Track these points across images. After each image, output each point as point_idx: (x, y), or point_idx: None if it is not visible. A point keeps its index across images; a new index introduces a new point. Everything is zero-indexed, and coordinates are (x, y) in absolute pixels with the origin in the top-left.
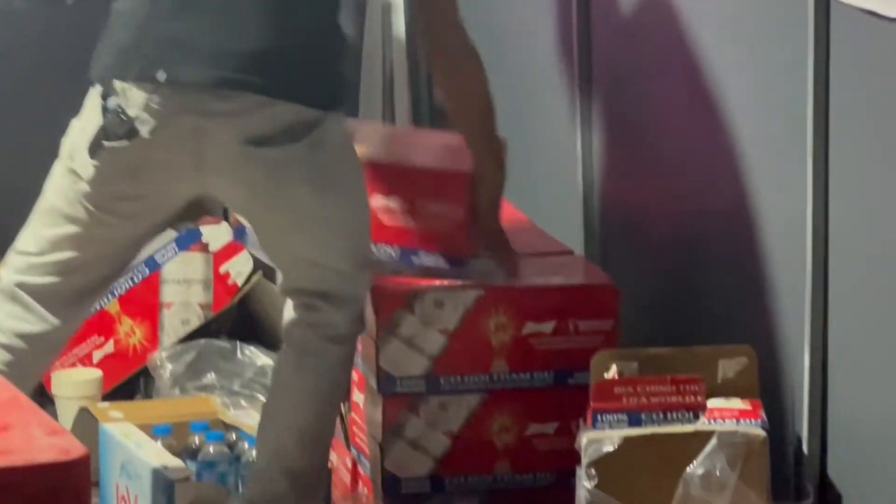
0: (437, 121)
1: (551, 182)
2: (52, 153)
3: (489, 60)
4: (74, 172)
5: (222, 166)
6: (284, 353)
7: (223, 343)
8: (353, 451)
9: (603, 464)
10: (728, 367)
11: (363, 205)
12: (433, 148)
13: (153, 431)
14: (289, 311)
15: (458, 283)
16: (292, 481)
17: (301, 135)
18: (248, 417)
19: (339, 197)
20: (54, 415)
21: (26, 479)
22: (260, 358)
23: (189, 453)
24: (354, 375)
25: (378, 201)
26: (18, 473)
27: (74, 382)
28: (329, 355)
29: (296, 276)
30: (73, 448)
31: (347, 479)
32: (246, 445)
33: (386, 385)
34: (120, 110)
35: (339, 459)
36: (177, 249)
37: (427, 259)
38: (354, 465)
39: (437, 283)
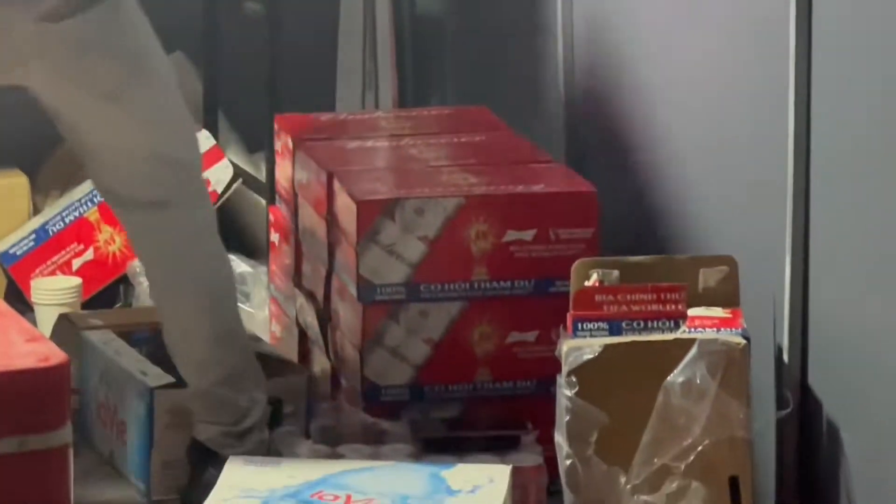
0: (423, 93)
1: (533, 90)
2: None
3: None
4: None
5: (23, 52)
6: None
7: None
8: (333, 359)
9: (583, 371)
10: (709, 276)
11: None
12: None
13: (133, 339)
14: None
15: (439, 190)
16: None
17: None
18: None
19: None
20: (33, 322)
21: (5, 385)
22: (240, 265)
23: (168, 360)
24: (335, 283)
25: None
26: None
27: (54, 290)
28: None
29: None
30: (53, 354)
31: (327, 387)
32: None
33: (366, 293)
34: None
35: (318, 367)
36: None
37: None
38: (335, 372)
39: (418, 190)
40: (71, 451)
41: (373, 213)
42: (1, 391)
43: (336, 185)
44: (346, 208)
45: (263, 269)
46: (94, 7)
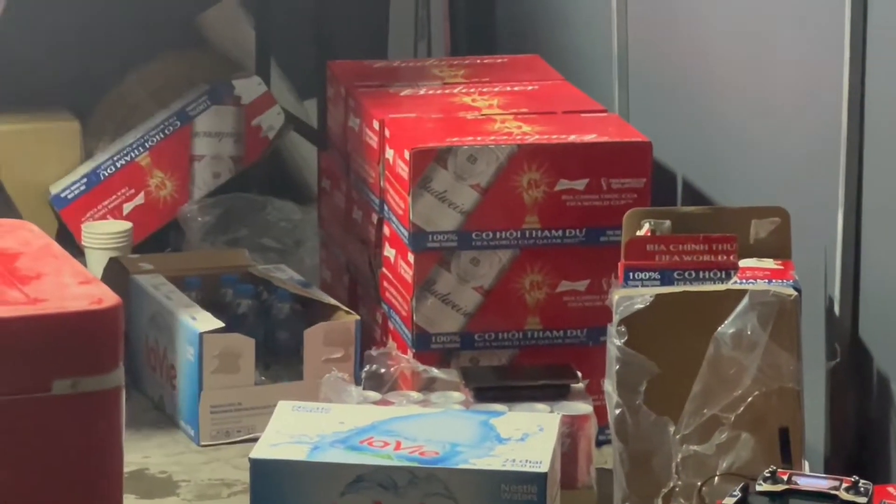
0: (475, 42)
1: (586, 40)
2: None
3: None
4: None
5: None
6: None
7: (254, 196)
8: (384, 305)
9: (634, 321)
10: (761, 227)
11: None
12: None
13: (183, 283)
14: None
15: (492, 138)
16: None
17: None
18: (277, 271)
19: None
20: (84, 266)
21: (58, 327)
22: (291, 212)
23: (218, 306)
24: (386, 230)
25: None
26: (51, 320)
27: (104, 234)
28: None
29: None
30: (106, 296)
31: (377, 334)
32: (275, 299)
33: (417, 240)
34: None
35: (369, 314)
36: (208, 102)
37: None
38: (385, 319)
39: (470, 138)
40: (123, 394)
41: (425, 161)
42: (54, 333)
43: (388, 132)
44: (398, 155)
45: (314, 215)
46: None
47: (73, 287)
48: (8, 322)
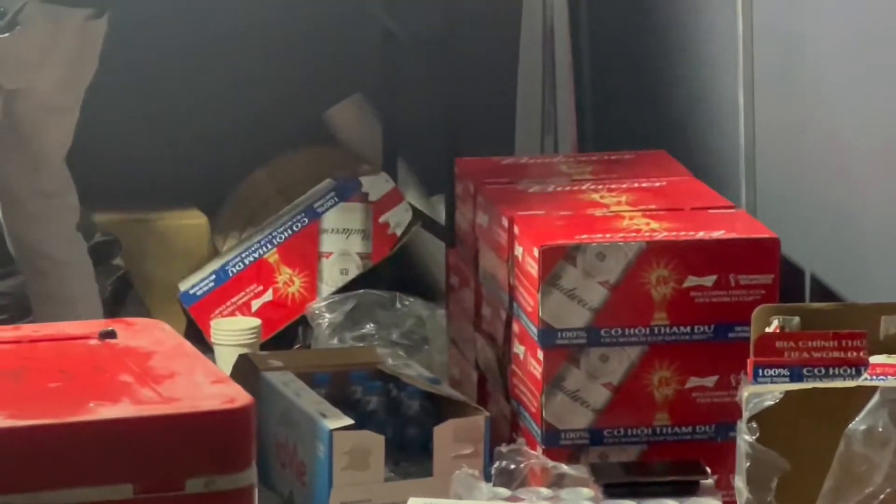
0: (602, 137)
1: (713, 136)
2: None
3: (654, 13)
4: None
5: None
6: None
7: (382, 293)
8: (513, 402)
9: (764, 417)
10: (891, 323)
11: None
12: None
13: (312, 380)
14: None
15: (620, 236)
16: None
17: None
18: (406, 368)
19: None
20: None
21: (192, 426)
22: (419, 308)
23: (348, 402)
24: (515, 327)
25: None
26: (185, 420)
27: (234, 330)
28: None
29: None
30: (239, 396)
31: (507, 430)
32: (405, 395)
33: (547, 337)
34: None
35: (498, 411)
36: (336, 199)
37: None
38: (514, 415)
39: (599, 235)
40: (255, 493)
41: (554, 258)
42: (188, 432)
43: (517, 229)
44: (527, 253)
45: (442, 312)
46: None
47: (205, 386)
48: (142, 421)
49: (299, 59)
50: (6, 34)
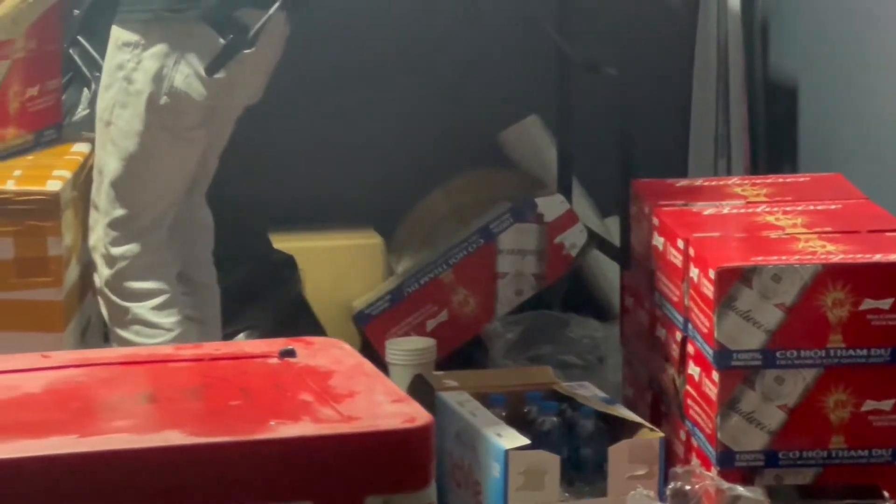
0: (775, 159)
1: (889, 158)
2: None
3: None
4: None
5: None
6: None
7: (556, 314)
8: (688, 423)
9: None
10: None
11: None
12: None
13: (487, 400)
14: None
15: (796, 258)
16: None
17: None
18: (581, 388)
19: None
20: None
21: (373, 445)
22: (593, 329)
23: (523, 422)
24: (690, 348)
25: None
26: (365, 438)
27: (409, 350)
28: None
29: None
30: (418, 415)
31: (681, 450)
32: (579, 416)
33: (722, 358)
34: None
35: (672, 431)
36: (512, 220)
37: None
38: (688, 437)
39: (775, 257)
40: None
41: (730, 280)
42: (368, 451)
43: (693, 251)
44: (703, 274)
45: (616, 331)
46: None
47: (385, 405)
48: (322, 440)
49: (475, 82)
50: (252, 49)
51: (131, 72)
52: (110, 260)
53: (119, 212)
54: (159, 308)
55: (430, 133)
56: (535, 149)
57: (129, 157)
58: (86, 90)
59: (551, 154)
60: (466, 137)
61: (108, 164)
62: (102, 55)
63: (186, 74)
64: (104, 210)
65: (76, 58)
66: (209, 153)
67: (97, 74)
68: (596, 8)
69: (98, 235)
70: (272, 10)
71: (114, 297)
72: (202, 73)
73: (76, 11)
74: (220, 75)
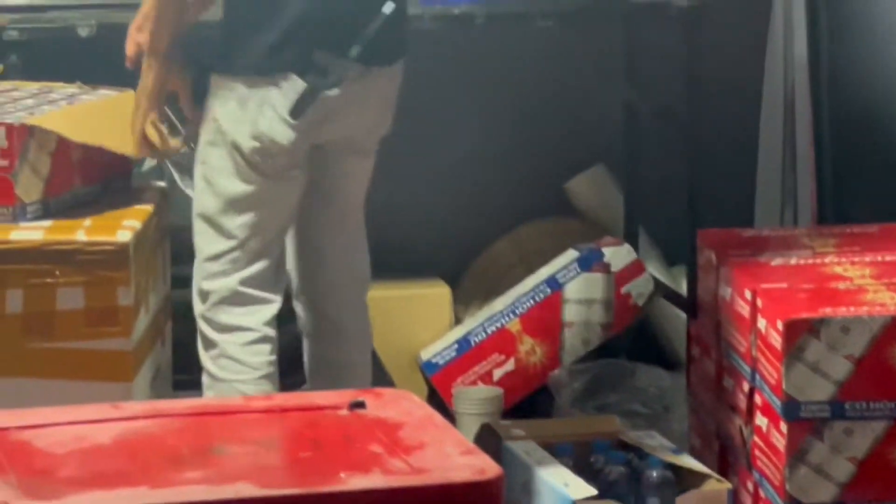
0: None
1: None
2: None
3: None
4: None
5: None
6: None
7: (623, 363)
8: (755, 474)
9: None
10: None
11: None
12: None
13: (555, 449)
14: None
15: (865, 309)
16: None
17: None
18: (648, 438)
19: None
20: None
21: (443, 497)
22: (660, 378)
23: (590, 472)
24: (758, 399)
25: None
26: (435, 491)
27: (476, 399)
28: None
29: None
30: (489, 467)
31: (749, 502)
32: (646, 465)
33: (790, 410)
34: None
35: (739, 482)
36: (578, 269)
37: None
38: (756, 488)
39: (843, 308)
40: None
41: (798, 331)
42: (438, 503)
43: (760, 302)
44: (771, 325)
45: (682, 381)
46: None
47: (455, 457)
48: (393, 492)
49: (542, 130)
50: (334, 91)
51: (221, 115)
52: (203, 295)
53: (213, 248)
54: (249, 345)
55: (497, 182)
56: (601, 198)
57: (221, 195)
58: None
59: (618, 203)
60: (533, 186)
61: (203, 201)
62: (171, 107)
63: (271, 118)
64: (199, 246)
65: None
66: (322, 190)
67: (165, 125)
68: (663, 56)
69: (195, 269)
70: (352, 55)
71: (206, 329)
72: (286, 116)
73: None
74: (303, 118)
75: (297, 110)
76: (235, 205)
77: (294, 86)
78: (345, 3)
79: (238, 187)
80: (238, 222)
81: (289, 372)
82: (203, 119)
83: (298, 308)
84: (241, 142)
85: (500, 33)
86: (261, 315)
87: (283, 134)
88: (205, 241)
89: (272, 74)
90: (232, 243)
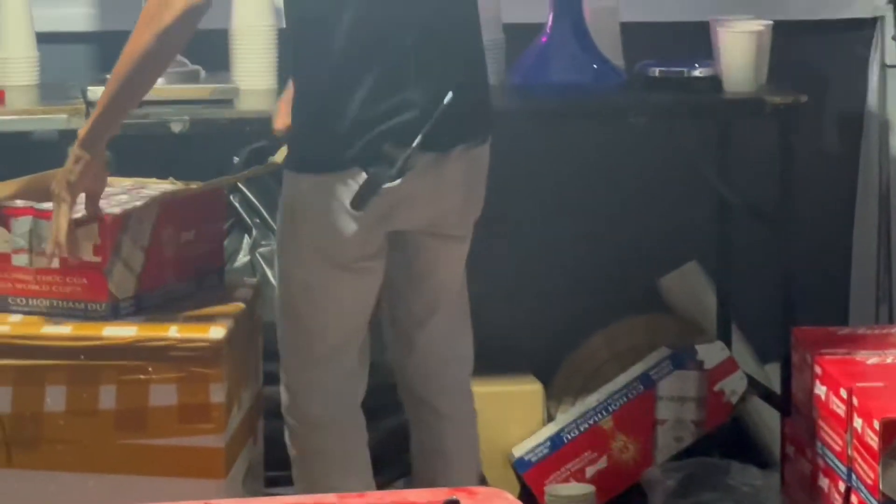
0: None
1: None
2: None
3: None
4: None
5: None
6: None
7: (716, 461)
8: None
9: None
10: None
11: None
12: None
13: None
14: None
15: None
16: None
17: None
18: None
19: None
20: None
21: None
22: (753, 477)
23: None
24: (854, 499)
25: None
26: None
27: (568, 497)
28: None
29: None
30: None
31: None
32: None
33: None
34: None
35: None
36: (671, 366)
37: None
38: None
39: None
40: None
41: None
42: None
43: (856, 400)
44: (867, 425)
45: (776, 480)
46: None
47: None
48: None
49: (635, 226)
50: (397, 181)
51: (293, 207)
52: (287, 388)
53: (292, 341)
54: (336, 438)
55: (589, 278)
56: (694, 295)
57: (297, 287)
58: (246, 237)
59: (711, 300)
60: (626, 283)
61: (282, 295)
62: (262, 202)
63: (336, 211)
64: (280, 339)
65: (237, 204)
66: (411, 275)
67: (257, 221)
68: (756, 152)
69: (281, 363)
70: (413, 146)
71: (291, 422)
72: (349, 208)
73: (236, 159)
74: (367, 210)
75: (358, 202)
76: (311, 297)
77: (357, 178)
78: (406, 94)
79: (312, 279)
80: (315, 314)
81: (383, 467)
82: (279, 214)
83: (400, 393)
84: (311, 235)
85: (593, 129)
86: (346, 407)
87: (348, 226)
88: (285, 334)
89: (338, 169)
90: (310, 336)
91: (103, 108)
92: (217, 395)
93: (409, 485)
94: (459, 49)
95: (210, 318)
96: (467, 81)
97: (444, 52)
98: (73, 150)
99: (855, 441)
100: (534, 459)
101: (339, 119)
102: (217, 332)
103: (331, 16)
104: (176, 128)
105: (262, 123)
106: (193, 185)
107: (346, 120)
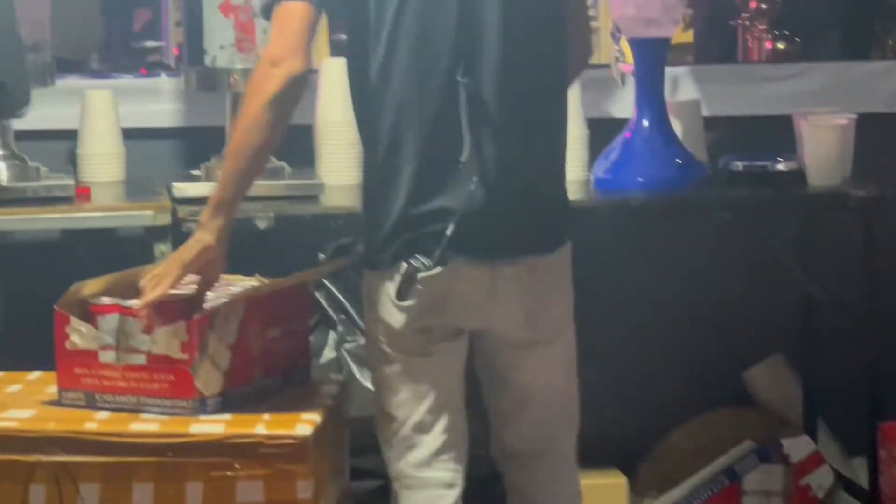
0: None
1: None
2: None
3: None
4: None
5: None
6: None
7: None
8: None
9: None
10: None
11: None
12: None
13: None
14: None
15: None
16: None
17: None
18: None
19: None
20: None
21: None
22: None
23: None
24: None
25: None
26: None
27: None
28: None
29: None
30: None
31: None
32: None
33: None
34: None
35: None
36: (757, 460)
37: None
38: None
39: None
40: None
41: None
42: None
43: None
44: None
45: None
46: None
47: None
48: None
49: (719, 320)
50: (436, 270)
51: (365, 300)
52: (389, 480)
53: (383, 433)
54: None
55: (674, 371)
56: (780, 388)
57: (377, 376)
58: (332, 332)
59: (797, 393)
60: (711, 376)
61: (372, 378)
62: (347, 298)
63: (386, 303)
64: (377, 423)
65: (322, 300)
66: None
67: (342, 317)
68: (840, 245)
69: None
70: (448, 234)
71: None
72: (395, 299)
73: (321, 256)
74: (410, 301)
75: (400, 293)
76: (389, 385)
77: (401, 272)
78: (443, 193)
79: (385, 367)
80: (395, 402)
81: None
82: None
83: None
84: (377, 328)
85: (678, 224)
86: (441, 498)
87: (396, 318)
88: (378, 426)
89: (387, 267)
90: (395, 425)
91: (221, 188)
92: (304, 491)
93: None
94: (538, 152)
95: (297, 415)
96: (537, 185)
97: (516, 156)
98: (195, 233)
99: None
100: None
101: (385, 219)
102: (304, 428)
103: (376, 106)
104: (262, 224)
105: (347, 219)
106: (279, 281)
107: (389, 219)
